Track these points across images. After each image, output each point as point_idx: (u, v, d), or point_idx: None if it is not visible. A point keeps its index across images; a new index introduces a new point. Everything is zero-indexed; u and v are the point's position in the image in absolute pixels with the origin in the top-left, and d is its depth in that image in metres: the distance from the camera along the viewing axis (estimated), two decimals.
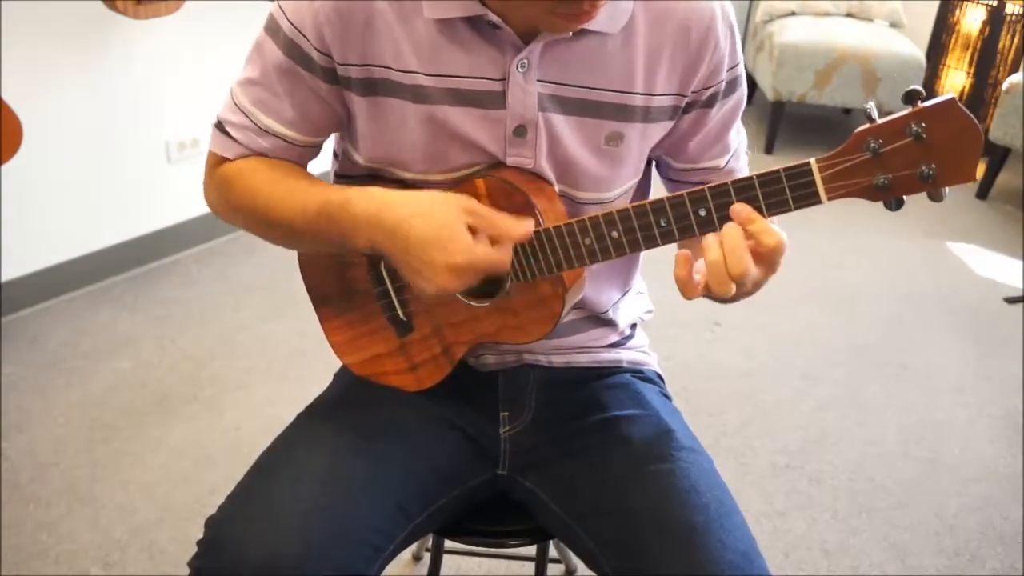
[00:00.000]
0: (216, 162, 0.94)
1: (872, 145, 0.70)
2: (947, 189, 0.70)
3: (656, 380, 1.08)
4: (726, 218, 0.76)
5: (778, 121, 3.68)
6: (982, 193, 3.44)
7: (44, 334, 2.21)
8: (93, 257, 2.42)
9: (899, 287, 2.73)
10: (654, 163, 1.00)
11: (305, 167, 0.96)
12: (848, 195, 0.72)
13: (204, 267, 2.59)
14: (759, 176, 0.73)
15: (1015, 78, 3.23)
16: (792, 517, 1.75)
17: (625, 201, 0.95)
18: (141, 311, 2.34)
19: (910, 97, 0.68)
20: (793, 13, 3.93)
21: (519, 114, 0.84)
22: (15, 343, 2.16)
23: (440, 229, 0.77)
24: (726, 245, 0.74)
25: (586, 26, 0.79)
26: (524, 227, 0.80)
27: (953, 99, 0.67)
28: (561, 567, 1.58)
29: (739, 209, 0.74)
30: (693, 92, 0.88)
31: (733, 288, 0.75)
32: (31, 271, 2.28)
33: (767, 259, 0.75)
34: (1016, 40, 3.65)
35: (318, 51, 0.83)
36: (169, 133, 2.49)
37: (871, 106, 0.71)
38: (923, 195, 0.72)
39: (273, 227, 0.90)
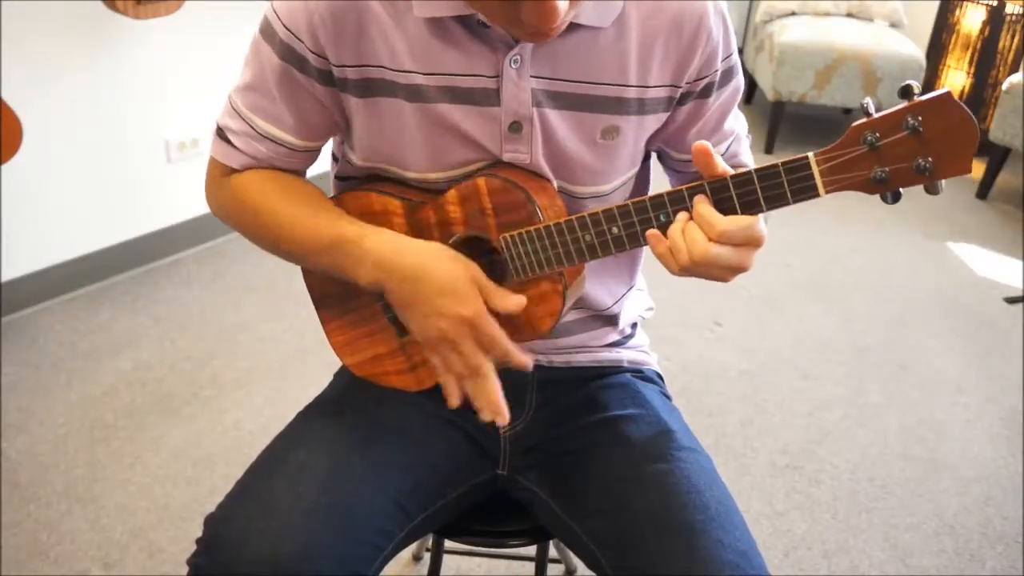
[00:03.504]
0: (219, 171, 0.94)
1: (869, 138, 0.70)
2: (944, 182, 0.70)
3: (656, 380, 1.08)
4: (727, 212, 0.76)
5: (778, 121, 3.69)
6: (982, 193, 3.44)
7: (44, 334, 2.21)
8: (93, 257, 2.42)
9: (899, 287, 2.73)
10: (655, 154, 1.00)
11: (304, 172, 0.96)
12: (846, 188, 0.72)
13: (204, 267, 2.59)
14: (758, 170, 0.74)
15: (1015, 78, 3.23)
16: (792, 517, 1.75)
17: (623, 193, 0.95)
18: (141, 311, 2.34)
19: (906, 92, 0.69)
20: (793, 13, 3.93)
21: (513, 110, 0.84)
22: (15, 343, 2.17)
23: (455, 281, 0.81)
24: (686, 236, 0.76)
25: (576, 20, 0.79)
26: (516, 299, 0.83)
27: (949, 93, 0.68)
28: (561, 567, 1.58)
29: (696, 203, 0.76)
30: (687, 83, 0.88)
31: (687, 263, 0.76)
32: (31, 271, 2.29)
33: (731, 241, 0.76)
34: (1016, 40, 3.65)
35: (313, 53, 0.83)
36: (169, 133, 2.49)
37: (868, 101, 0.71)
38: (923, 196, 0.73)
39: (278, 249, 0.92)
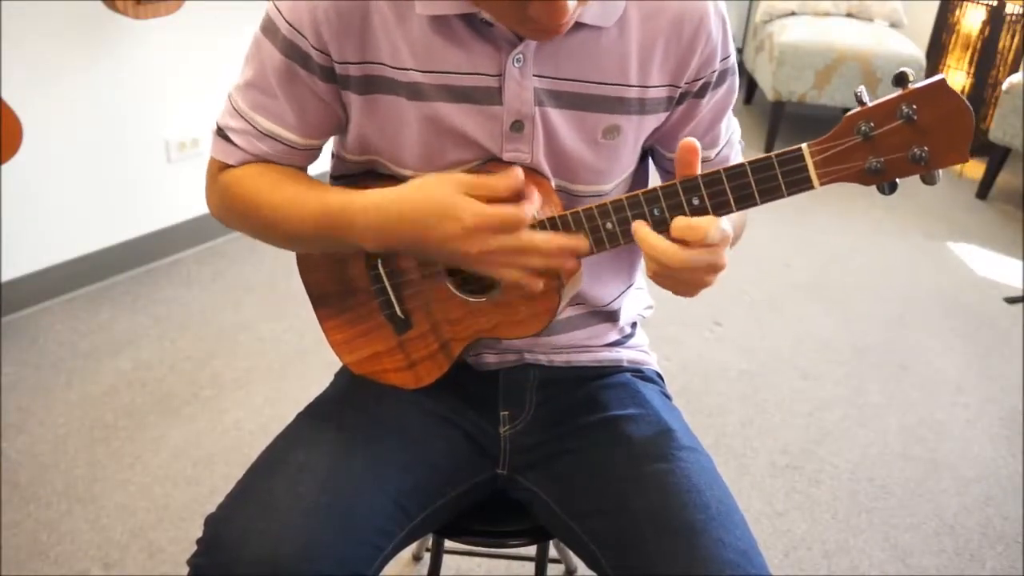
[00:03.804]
0: (218, 169, 0.94)
1: (863, 128, 0.69)
2: (940, 172, 0.70)
3: (656, 380, 1.08)
4: (721, 205, 0.75)
5: (778, 121, 3.69)
6: (982, 193, 3.44)
7: (44, 334, 2.21)
8: (93, 257, 2.42)
9: (899, 287, 2.73)
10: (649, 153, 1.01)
11: (305, 170, 0.96)
12: (841, 179, 0.72)
13: (204, 267, 2.59)
14: (751, 162, 0.73)
15: (1015, 78, 3.23)
16: (792, 517, 1.75)
17: (621, 191, 0.95)
18: (141, 311, 2.34)
19: (900, 80, 0.68)
20: (793, 13, 3.93)
21: (516, 109, 0.84)
22: (15, 343, 2.17)
23: (443, 202, 0.78)
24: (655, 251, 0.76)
25: (580, 20, 0.79)
26: (513, 176, 0.79)
27: (943, 80, 0.67)
28: (561, 567, 1.58)
29: (636, 229, 0.77)
30: (686, 83, 0.88)
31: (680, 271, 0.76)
32: (31, 271, 2.29)
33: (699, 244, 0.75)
34: (1016, 40, 3.65)
35: (316, 50, 0.83)
36: (169, 133, 2.49)
37: (862, 89, 0.70)
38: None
39: (276, 232, 0.91)
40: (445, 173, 0.81)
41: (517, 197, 0.79)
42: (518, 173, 0.79)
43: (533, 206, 0.79)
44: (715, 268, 0.76)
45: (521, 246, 0.78)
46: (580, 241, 0.81)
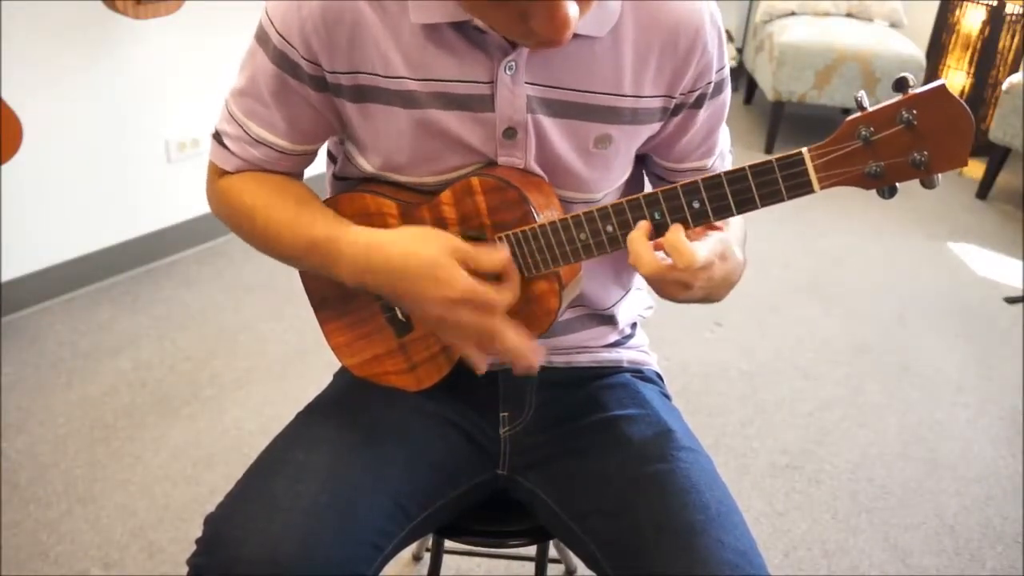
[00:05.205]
0: (217, 174, 0.95)
1: (863, 133, 0.70)
2: (939, 176, 0.70)
3: (656, 380, 1.08)
4: (721, 209, 0.76)
5: (778, 121, 3.68)
6: (982, 193, 3.44)
7: (44, 334, 2.21)
8: (93, 257, 2.42)
9: (899, 287, 2.73)
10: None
11: (301, 174, 0.97)
12: (841, 183, 0.72)
13: (204, 267, 2.59)
14: (752, 166, 0.73)
15: (1015, 78, 3.23)
16: (792, 517, 1.75)
17: (614, 198, 0.95)
18: (141, 311, 2.34)
19: (900, 84, 0.68)
20: (793, 13, 3.93)
21: (508, 116, 0.84)
22: (15, 343, 2.17)
23: (434, 266, 0.80)
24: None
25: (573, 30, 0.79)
26: (499, 255, 0.82)
27: (943, 85, 0.67)
28: (561, 567, 1.58)
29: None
30: (681, 94, 0.88)
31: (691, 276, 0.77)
32: (31, 271, 2.29)
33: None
34: (1016, 40, 3.65)
35: (306, 60, 0.83)
36: (169, 133, 2.49)
37: (862, 94, 0.71)
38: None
39: (269, 251, 0.93)
40: (439, 232, 0.83)
41: (497, 275, 0.83)
42: (503, 256, 0.82)
43: (513, 293, 0.83)
44: (686, 287, 0.79)
45: (492, 332, 0.81)
46: (540, 352, 0.84)
